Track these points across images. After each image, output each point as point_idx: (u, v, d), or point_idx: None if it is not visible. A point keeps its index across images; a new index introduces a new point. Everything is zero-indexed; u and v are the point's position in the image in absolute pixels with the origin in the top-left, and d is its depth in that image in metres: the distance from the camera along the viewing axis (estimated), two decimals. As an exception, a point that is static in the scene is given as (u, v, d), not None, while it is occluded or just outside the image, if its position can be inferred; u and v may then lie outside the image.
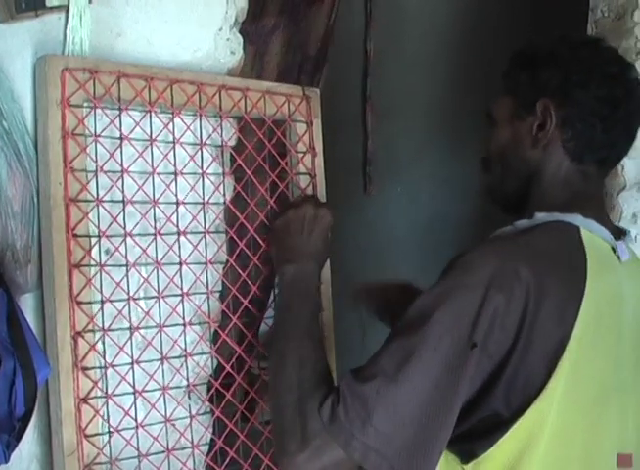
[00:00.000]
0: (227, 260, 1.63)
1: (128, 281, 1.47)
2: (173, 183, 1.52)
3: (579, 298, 1.27)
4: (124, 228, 1.45)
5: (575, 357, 1.26)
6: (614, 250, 1.38)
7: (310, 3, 1.98)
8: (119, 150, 1.45)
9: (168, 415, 1.51)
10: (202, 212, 1.57)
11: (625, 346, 1.37)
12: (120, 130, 1.45)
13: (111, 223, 1.43)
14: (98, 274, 1.42)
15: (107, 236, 1.43)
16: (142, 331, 1.49)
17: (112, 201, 1.45)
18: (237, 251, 1.61)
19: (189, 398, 1.56)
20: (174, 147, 1.53)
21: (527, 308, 1.23)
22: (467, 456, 1.29)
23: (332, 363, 1.70)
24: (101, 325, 1.42)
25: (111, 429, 1.43)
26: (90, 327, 1.40)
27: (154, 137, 1.50)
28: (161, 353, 1.50)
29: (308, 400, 1.28)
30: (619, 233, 1.44)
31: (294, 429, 1.26)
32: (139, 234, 1.48)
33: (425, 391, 1.21)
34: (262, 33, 1.83)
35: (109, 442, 1.42)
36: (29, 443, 1.42)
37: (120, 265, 1.46)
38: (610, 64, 1.42)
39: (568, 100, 1.40)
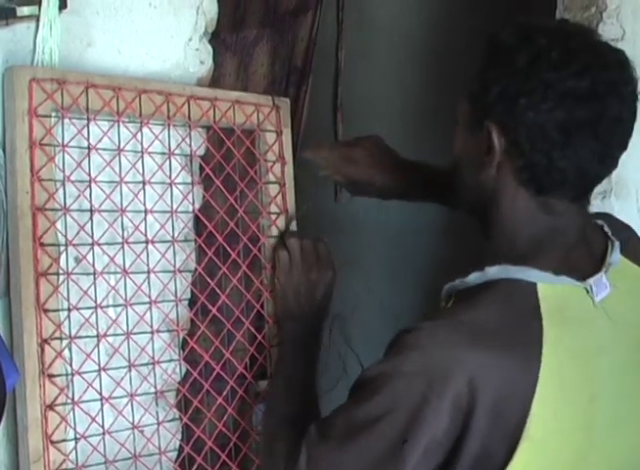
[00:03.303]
0: (195, 269, 1.64)
1: (96, 289, 1.48)
2: (141, 192, 1.54)
3: (536, 371, 1.18)
4: (92, 237, 1.47)
5: (537, 434, 1.18)
6: (587, 290, 1.26)
7: (295, 15, 2.00)
8: (87, 159, 1.46)
9: (136, 422, 1.52)
10: (170, 221, 1.58)
11: (606, 391, 1.27)
12: (88, 140, 1.46)
13: (78, 232, 1.45)
14: (65, 282, 1.43)
15: (74, 245, 1.45)
16: (110, 339, 1.50)
17: (79, 210, 1.46)
18: (205, 259, 1.63)
19: (157, 404, 1.58)
20: (142, 156, 1.54)
21: (474, 398, 1.16)
22: None
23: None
24: (68, 333, 1.43)
25: (77, 435, 1.44)
26: (57, 334, 1.41)
27: (122, 147, 1.51)
28: (129, 361, 1.52)
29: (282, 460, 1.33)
30: (602, 261, 1.30)
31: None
32: (107, 243, 1.49)
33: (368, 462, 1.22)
34: (245, 44, 1.84)
35: (75, 448, 1.43)
36: (-3, 449, 1.43)
37: (88, 274, 1.47)
38: (576, 77, 1.20)
39: (514, 124, 1.22)
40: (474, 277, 1.27)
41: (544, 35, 1.23)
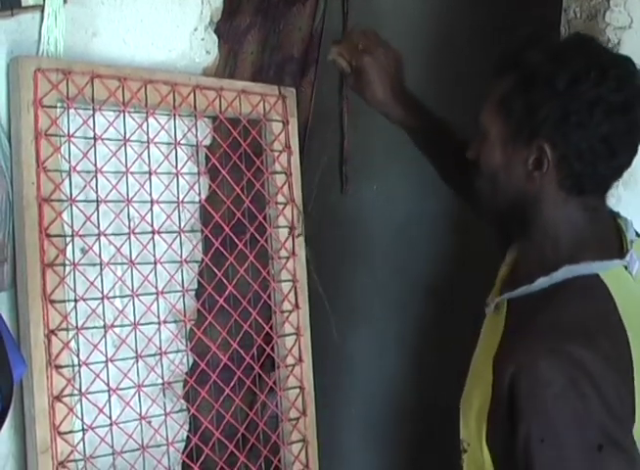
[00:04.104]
0: (202, 259, 1.64)
1: (102, 280, 1.48)
2: (147, 182, 1.53)
3: (629, 351, 1.29)
4: (98, 227, 1.46)
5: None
6: (626, 267, 1.36)
7: (290, 4, 1.99)
8: (93, 150, 1.46)
9: (143, 413, 1.52)
10: (176, 211, 1.58)
11: None
12: (94, 130, 1.46)
13: (84, 223, 1.44)
14: (72, 273, 1.43)
15: (80, 235, 1.44)
16: (116, 329, 1.50)
17: (85, 200, 1.46)
18: (212, 249, 1.62)
19: (164, 395, 1.57)
20: (148, 147, 1.54)
21: (608, 390, 1.25)
22: None
23: (308, 360, 1.73)
24: (75, 324, 1.43)
25: (85, 426, 1.44)
26: (64, 325, 1.41)
27: (127, 137, 1.51)
28: (136, 352, 1.52)
29: None
30: (619, 239, 1.41)
31: None
32: (113, 233, 1.49)
33: None
34: (237, 32, 1.83)
35: (83, 439, 1.43)
36: (5, 440, 1.43)
37: (94, 264, 1.47)
38: (614, 93, 1.30)
39: (565, 141, 1.31)
40: (540, 283, 1.34)
41: (575, 55, 1.33)
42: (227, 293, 1.63)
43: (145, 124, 1.53)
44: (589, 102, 1.30)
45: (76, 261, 1.44)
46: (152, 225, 1.54)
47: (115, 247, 1.49)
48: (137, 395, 1.51)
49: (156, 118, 1.55)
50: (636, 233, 1.44)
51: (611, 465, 1.25)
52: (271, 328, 1.69)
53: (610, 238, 1.41)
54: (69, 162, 1.43)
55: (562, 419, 1.26)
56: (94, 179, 1.46)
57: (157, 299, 1.54)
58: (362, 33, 1.69)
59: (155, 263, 1.54)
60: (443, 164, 1.76)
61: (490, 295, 1.49)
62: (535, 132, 1.33)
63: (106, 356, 1.47)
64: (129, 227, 1.51)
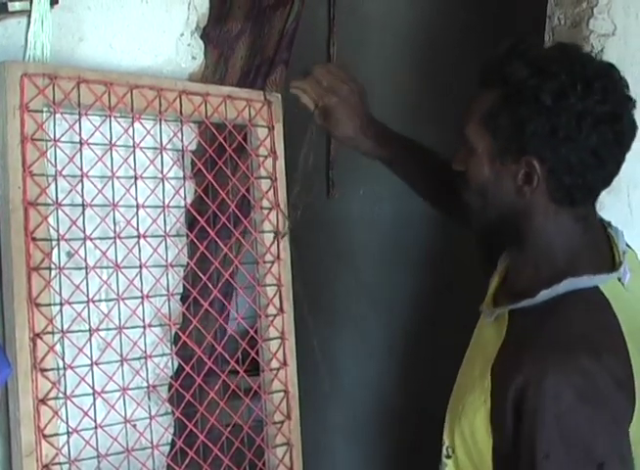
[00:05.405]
0: (187, 263, 1.65)
1: (88, 284, 1.48)
2: (133, 187, 1.54)
3: (629, 361, 1.31)
4: (84, 231, 1.47)
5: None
6: (619, 278, 1.39)
7: (275, 8, 2.00)
8: (79, 154, 1.47)
9: (128, 416, 1.53)
10: (162, 216, 1.59)
11: None
12: (80, 135, 1.47)
13: (70, 227, 1.45)
14: (57, 277, 1.44)
15: (66, 239, 1.45)
16: (102, 333, 1.51)
17: (71, 205, 1.46)
18: (197, 253, 1.63)
19: (149, 398, 1.58)
20: (134, 151, 1.54)
21: (616, 404, 1.28)
22: None
23: (293, 364, 1.73)
24: (60, 327, 1.44)
25: (70, 429, 1.44)
26: (49, 329, 1.41)
27: (113, 142, 1.51)
28: (121, 355, 1.52)
29: None
30: (610, 249, 1.43)
31: None
32: (99, 237, 1.50)
33: None
34: (228, 38, 1.84)
35: (67, 442, 1.44)
36: (-11, 443, 1.44)
37: (80, 268, 1.48)
38: (600, 104, 1.31)
39: (554, 155, 1.32)
40: (542, 295, 1.35)
41: (560, 68, 1.32)
42: (212, 297, 1.64)
43: (131, 129, 1.54)
44: (576, 115, 1.30)
45: (62, 265, 1.45)
46: (137, 229, 1.55)
47: (101, 251, 1.50)
48: (122, 398, 1.52)
49: (142, 123, 1.55)
50: (626, 244, 1.45)
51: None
52: (256, 332, 1.70)
53: (602, 247, 1.43)
54: (55, 166, 1.44)
55: (569, 434, 1.27)
56: (80, 183, 1.47)
57: (142, 303, 1.55)
58: (326, 70, 1.69)
59: (140, 267, 1.55)
60: (427, 187, 1.78)
61: (484, 303, 1.50)
62: (523, 148, 1.33)
63: (91, 360, 1.48)
64: (115, 231, 1.52)
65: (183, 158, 1.64)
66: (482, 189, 1.41)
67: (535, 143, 1.32)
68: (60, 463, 1.42)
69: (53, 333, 1.42)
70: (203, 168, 1.63)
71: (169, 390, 1.61)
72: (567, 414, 1.26)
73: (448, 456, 1.44)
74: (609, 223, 1.48)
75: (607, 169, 1.37)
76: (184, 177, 1.64)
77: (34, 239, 1.40)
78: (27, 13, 1.45)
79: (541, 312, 1.35)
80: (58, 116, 1.45)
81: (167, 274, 1.60)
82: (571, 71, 1.32)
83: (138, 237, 1.55)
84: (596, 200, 1.43)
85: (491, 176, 1.39)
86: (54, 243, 1.44)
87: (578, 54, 1.40)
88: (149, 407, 1.58)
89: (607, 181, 1.39)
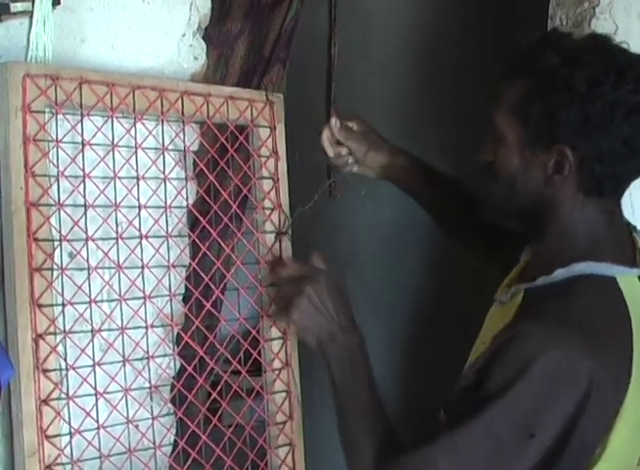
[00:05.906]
0: (190, 264, 1.65)
1: (90, 284, 1.48)
2: (135, 188, 1.54)
3: (630, 357, 1.30)
4: (86, 232, 1.47)
5: (629, 414, 1.30)
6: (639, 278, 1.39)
7: (273, 7, 2.00)
8: (81, 155, 1.47)
9: (130, 416, 1.53)
10: (164, 216, 1.59)
11: None
12: (82, 136, 1.47)
13: (72, 227, 1.45)
14: (59, 278, 1.44)
15: (68, 240, 1.45)
16: (104, 333, 1.51)
17: (73, 205, 1.46)
18: (199, 254, 1.63)
19: (151, 399, 1.58)
20: (136, 152, 1.54)
21: (589, 397, 1.26)
22: None
23: (295, 365, 1.73)
24: (62, 328, 1.44)
25: (72, 430, 1.44)
26: (51, 330, 1.41)
27: (115, 142, 1.52)
28: (123, 356, 1.52)
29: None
30: (633, 246, 1.43)
31: None
32: (101, 238, 1.50)
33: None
34: (228, 37, 1.84)
35: (70, 443, 1.44)
36: (-8, 444, 1.44)
37: (82, 269, 1.48)
38: (633, 94, 1.32)
39: (586, 143, 1.32)
40: (558, 274, 1.35)
41: (593, 58, 1.33)
42: (214, 297, 1.64)
43: (133, 130, 1.54)
44: (609, 104, 1.30)
45: (64, 266, 1.45)
46: (139, 230, 1.55)
47: (103, 251, 1.50)
48: (124, 398, 1.52)
49: (143, 124, 1.55)
50: None
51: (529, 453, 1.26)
52: (258, 332, 1.70)
53: (624, 245, 1.43)
54: (58, 167, 1.44)
55: (524, 396, 1.26)
56: (82, 184, 1.47)
57: (144, 303, 1.55)
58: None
59: (142, 268, 1.55)
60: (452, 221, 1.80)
61: (499, 290, 1.49)
62: (555, 136, 1.33)
63: (93, 360, 1.48)
64: (117, 232, 1.52)
65: (185, 158, 1.64)
66: (511, 179, 1.41)
67: (568, 131, 1.32)
68: (62, 464, 1.42)
69: (55, 334, 1.42)
70: (205, 169, 1.63)
71: (172, 390, 1.61)
72: (532, 378, 1.25)
73: None
74: (634, 228, 1.48)
75: (638, 161, 1.36)
76: (186, 178, 1.64)
77: (36, 240, 1.40)
78: (29, 14, 1.45)
79: (553, 290, 1.34)
80: (60, 116, 1.45)
81: (169, 275, 1.60)
82: (604, 61, 1.33)
83: (140, 238, 1.55)
84: (622, 194, 1.42)
85: (521, 166, 1.39)
86: (56, 244, 1.44)
87: (611, 44, 1.39)
88: (151, 408, 1.58)
89: (637, 173, 1.40)
